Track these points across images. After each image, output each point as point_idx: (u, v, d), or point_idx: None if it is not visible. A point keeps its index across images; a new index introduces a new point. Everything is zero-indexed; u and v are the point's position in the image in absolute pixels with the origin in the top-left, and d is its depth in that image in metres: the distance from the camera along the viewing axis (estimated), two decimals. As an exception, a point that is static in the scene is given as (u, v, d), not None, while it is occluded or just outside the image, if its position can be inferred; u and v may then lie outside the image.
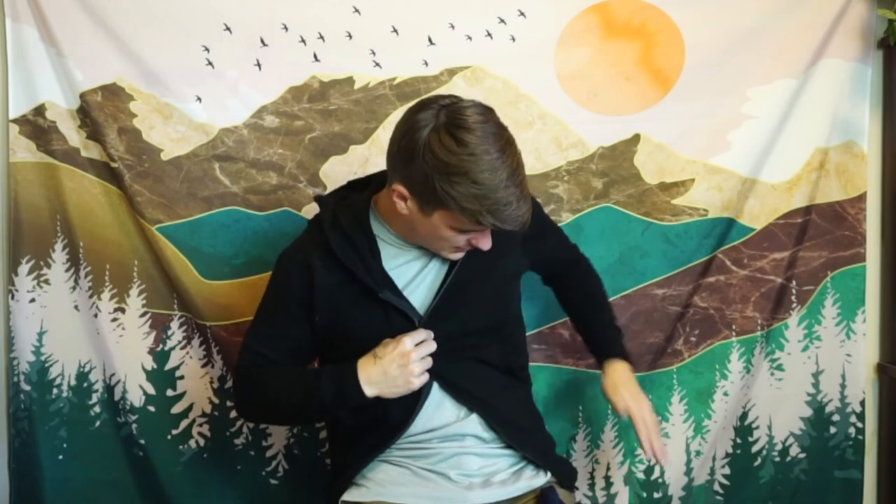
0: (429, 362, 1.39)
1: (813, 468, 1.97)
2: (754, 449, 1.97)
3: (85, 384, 1.89)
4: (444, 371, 1.42)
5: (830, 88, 1.90)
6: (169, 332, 1.89)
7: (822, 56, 1.89)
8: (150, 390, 1.89)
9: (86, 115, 1.82)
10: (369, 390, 1.37)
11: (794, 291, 1.95)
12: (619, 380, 1.61)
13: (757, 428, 1.96)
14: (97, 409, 1.89)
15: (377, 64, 1.85)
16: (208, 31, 1.82)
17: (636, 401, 1.59)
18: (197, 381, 1.90)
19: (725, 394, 1.94)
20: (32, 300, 1.86)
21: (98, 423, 1.89)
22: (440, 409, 1.45)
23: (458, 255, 1.43)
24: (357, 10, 1.83)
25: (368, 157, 1.86)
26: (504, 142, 1.29)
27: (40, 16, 1.79)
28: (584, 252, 1.85)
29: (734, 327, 1.95)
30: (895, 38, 1.85)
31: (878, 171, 1.97)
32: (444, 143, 1.26)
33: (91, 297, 1.86)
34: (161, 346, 1.89)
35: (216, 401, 1.90)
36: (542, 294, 1.82)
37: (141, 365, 1.88)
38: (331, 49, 1.84)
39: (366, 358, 1.39)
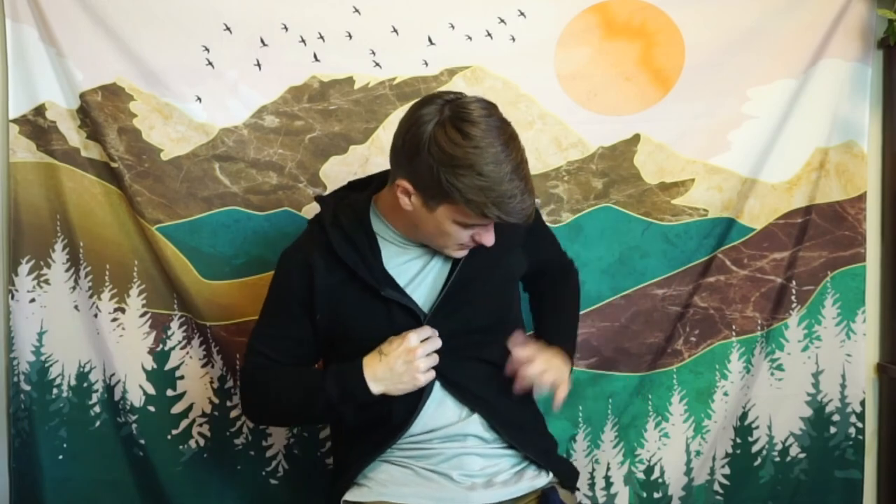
0: (435, 359, 1.39)
1: (813, 468, 1.97)
2: (754, 449, 1.97)
3: (85, 384, 1.89)
4: (446, 370, 1.42)
5: (830, 88, 1.90)
6: (169, 332, 1.89)
7: (822, 56, 1.89)
8: (150, 390, 1.89)
9: (86, 115, 1.82)
10: (375, 387, 1.37)
11: (794, 291, 1.95)
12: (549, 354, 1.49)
13: (757, 428, 1.97)
14: (97, 409, 1.89)
15: (377, 64, 1.85)
16: (208, 31, 1.82)
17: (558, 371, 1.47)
18: (197, 381, 1.90)
19: (725, 394, 1.94)
20: (32, 300, 1.86)
21: (98, 423, 1.89)
22: (442, 409, 1.45)
23: (462, 253, 1.43)
24: (357, 10, 1.83)
25: (368, 157, 1.85)
26: (508, 136, 1.30)
27: (40, 16, 1.79)
28: (583, 252, 1.85)
29: (734, 327, 1.95)
30: (895, 38, 1.85)
31: (878, 171, 1.97)
32: (450, 135, 1.27)
33: (91, 297, 1.86)
34: (161, 346, 1.89)
35: (216, 401, 1.90)
36: (542, 294, 1.82)
37: (141, 365, 1.88)
38: (331, 49, 1.84)
39: (371, 355, 1.39)
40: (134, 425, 1.88)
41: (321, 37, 1.83)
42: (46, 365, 1.88)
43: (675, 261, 1.93)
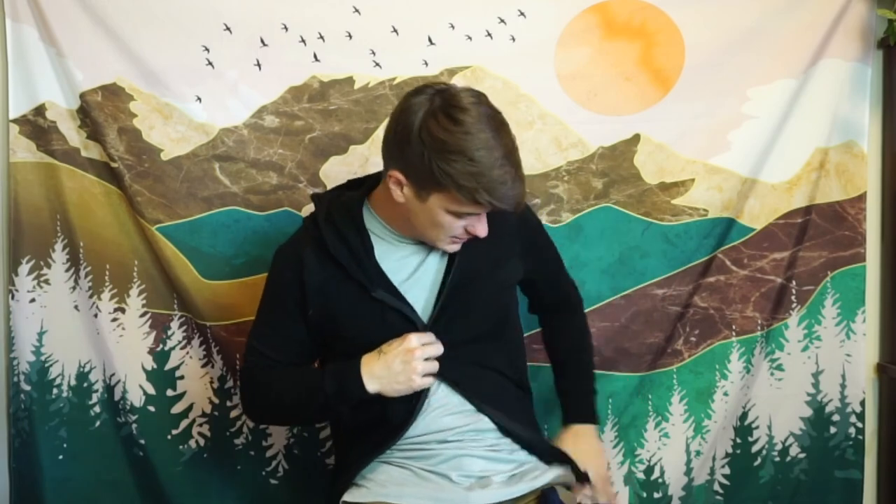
0: (434, 366, 1.38)
1: (813, 468, 1.97)
2: (754, 449, 1.97)
3: (85, 384, 1.89)
4: (446, 372, 1.42)
5: (830, 88, 1.90)
6: (169, 332, 1.89)
7: (822, 56, 1.89)
8: (150, 390, 1.89)
9: (86, 115, 1.83)
10: (371, 385, 1.37)
11: (794, 291, 1.95)
12: (586, 444, 1.58)
13: (757, 428, 1.96)
14: (97, 409, 1.89)
15: (377, 64, 1.85)
16: (208, 31, 1.82)
17: (598, 458, 1.58)
18: (197, 381, 1.90)
19: (725, 394, 1.94)
20: (32, 300, 1.86)
21: (98, 423, 1.90)
22: (442, 411, 1.44)
23: (455, 247, 1.42)
24: (357, 10, 1.83)
25: (368, 157, 1.85)
26: (498, 123, 1.31)
27: (40, 16, 1.79)
28: (583, 252, 1.85)
29: (734, 327, 1.95)
30: (895, 38, 1.85)
31: (878, 171, 1.97)
32: (441, 122, 1.27)
33: (91, 297, 1.86)
34: (161, 346, 1.89)
35: (216, 401, 1.90)
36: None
37: (141, 365, 1.88)
38: (331, 49, 1.84)
39: (371, 354, 1.39)
40: (134, 425, 1.88)
41: (321, 37, 1.83)
42: (46, 365, 1.88)
43: (675, 261, 1.93)
